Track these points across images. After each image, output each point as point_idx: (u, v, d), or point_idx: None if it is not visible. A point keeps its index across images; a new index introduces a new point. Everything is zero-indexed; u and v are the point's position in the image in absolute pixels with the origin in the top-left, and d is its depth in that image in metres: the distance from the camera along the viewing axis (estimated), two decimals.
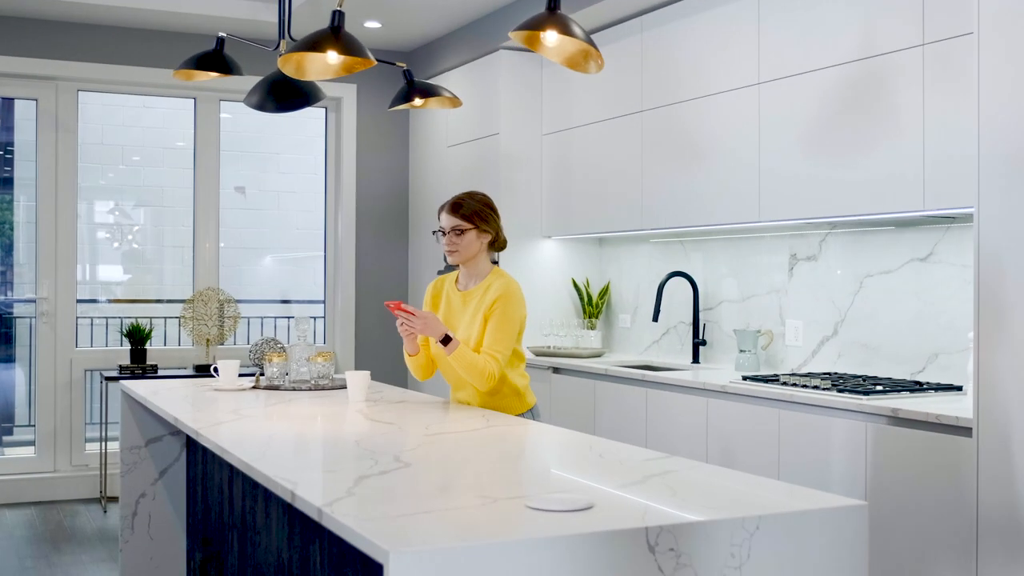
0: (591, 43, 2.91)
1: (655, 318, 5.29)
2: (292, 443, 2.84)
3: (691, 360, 5.34)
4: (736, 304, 5.15)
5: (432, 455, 2.59)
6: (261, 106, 3.54)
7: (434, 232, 3.71)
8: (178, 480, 4.37)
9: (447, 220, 3.58)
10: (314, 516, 1.95)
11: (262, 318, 8.45)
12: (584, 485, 2.23)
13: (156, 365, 6.32)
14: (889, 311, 4.32)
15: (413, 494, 2.14)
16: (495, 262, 3.73)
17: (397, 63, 3.93)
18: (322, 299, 7.51)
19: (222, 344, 6.63)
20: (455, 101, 4.00)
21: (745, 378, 4.33)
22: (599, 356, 5.78)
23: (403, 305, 3.44)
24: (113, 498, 6.34)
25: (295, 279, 8.67)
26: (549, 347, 5.87)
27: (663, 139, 5.12)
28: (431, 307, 3.74)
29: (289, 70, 2.95)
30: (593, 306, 6.03)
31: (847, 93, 4.12)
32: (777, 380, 4.18)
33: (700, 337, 5.31)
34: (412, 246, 7.16)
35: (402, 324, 3.47)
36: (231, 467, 3.66)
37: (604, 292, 6.07)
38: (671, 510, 1.97)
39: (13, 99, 6.87)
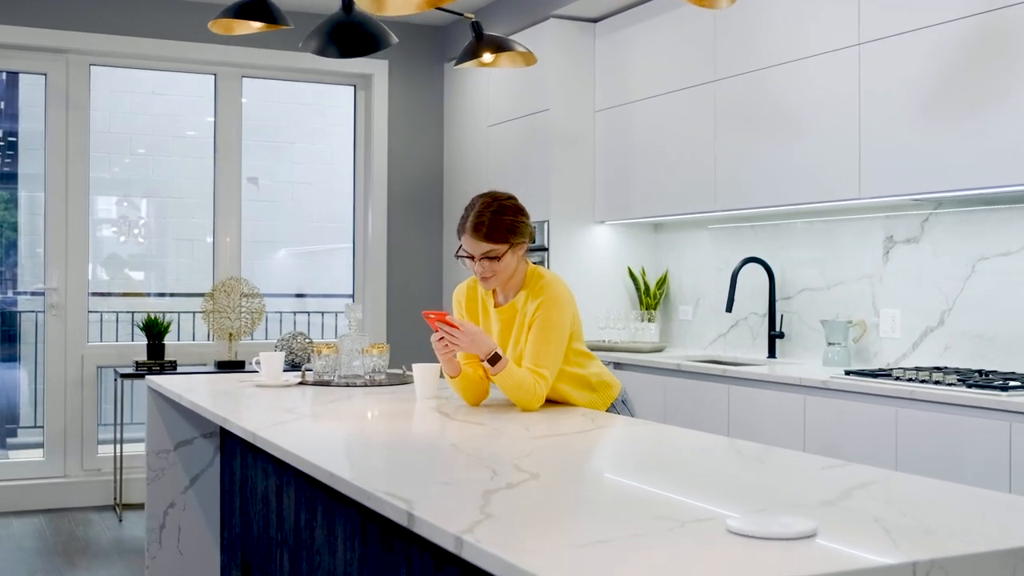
0: None
1: (729, 308, 4.81)
2: (375, 448, 2.36)
3: (766, 355, 4.86)
4: (819, 293, 4.67)
5: (557, 463, 2.11)
6: (322, 51, 3.06)
7: (457, 256, 3.02)
8: (211, 488, 3.89)
9: (474, 246, 2.92)
10: (449, 547, 1.47)
11: (280, 313, 8.01)
12: (772, 501, 1.76)
13: (175, 361, 5.83)
14: (1008, 297, 3.85)
15: (567, 515, 1.66)
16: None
17: (465, 14, 3.45)
18: (342, 293, 7.04)
19: (241, 339, 6.14)
20: (529, 57, 3.53)
21: (848, 372, 3.86)
22: (660, 351, 5.31)
23: (448, 317, 2.85)
24: (129, 505, 5.86)
25: (311, 274, 8.22)
26: (604, 341, 5.39)
27: (741, 111, 4.64)
28: (464, 317, 3.15)
29: (365, 2, 2.47)
30: (651, 297, 5.56)
31: (968, 52, 3.64)
32: (889, 375, 3.71)
33: (777, 329, 4.83)
34: (447, 236, 6.68)
35: (441, 340, 2.85)
36: (279, 474, 3.18)
37: (662, 282, 5.59)
38: (923, 537, 1.49)
39: (18, 75, 6.39)
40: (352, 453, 2.23)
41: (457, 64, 3.61)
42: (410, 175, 6.65)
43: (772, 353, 4.83)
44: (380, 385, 3.55)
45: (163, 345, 5.86)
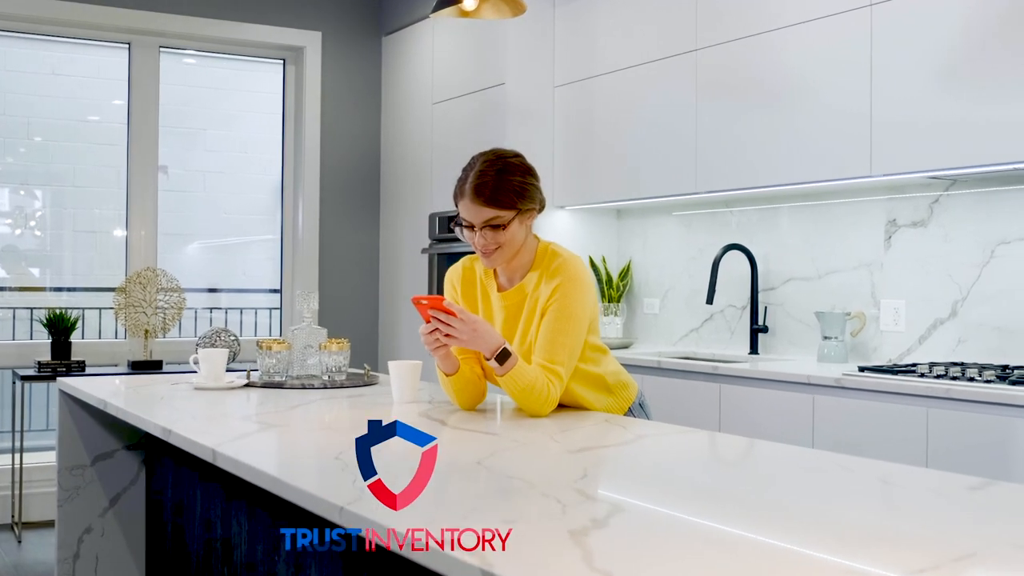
0: None
1: (709, 300, 4.39)
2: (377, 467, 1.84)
3: (748, 350, 4.45)
4: (809, 283, 4.28)
5: (630, 488, 1.63)
6: None
7: (453, 225, 2.53)
8: (135, 509, 3.32)
9: (474, 212, 2.43)
10: None
11: (195, 310, 7.37)
12: (974, 543, 1.30)
13: (83, 361, 5.20)
14: None
15: (702, 561, 1.18)
16: None
17: None
18: (260, 288, 6.45)
19: (157, 337, 5.51)
20: (517, 5, 3.05)
21: (863, 369, 3.46)
22: (626, 347, 4.87)
23: (445, 303, 2.33)
24: (31, 524, 5.20)
25: (224, 268, 7.59)
26: None
27: (728, 84, 4.21)
28: (460, 304, 2.60)
29: None
30: (613, 289, 5.12)
31: (996, 12, 3.27)
32: (913, 371, 3.32)
33: (760, 323, 4.42)
34: (385, 224, 6.15)
35: (434, 332, 2.35)
36: (227, 494, 2.64)
37: (625, 272, 5.15)
38: None
39: None
40: (356, 478, 1.71)
41: (433, 13, 3.12)
42: (345, 158, 6.10)
43: (754, 348, 4.42)
44: (341, 387, 3.03)
45: (69, 343, 5.23)
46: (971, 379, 3.13)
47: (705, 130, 4.29)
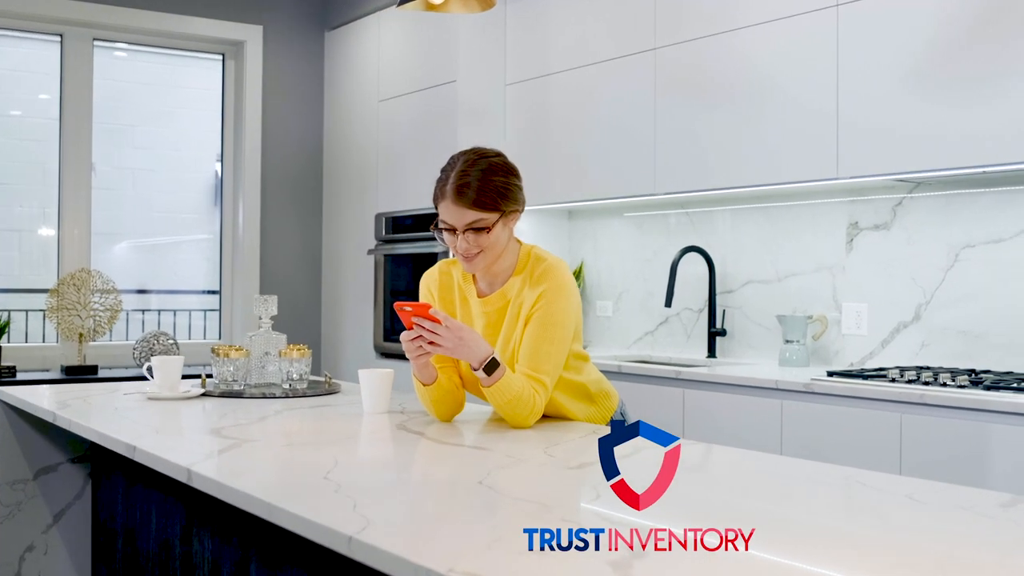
0: None
1: (668, 303, 4.32)
2: (378, 490, 1.71)
3: (705, 354, 4.40)
4: (769, 286, 4.24)
5: (659, 511, 1.52)
6: None
7: (433, 228, 2.39)
8: (81, 526, 3.14)
9: (456, 214, 2.30)
10: None
11: (127, 312, 7.13)
12: (1017, 567, 1.23)
13: (14, 367, 4.97)
14: (999, 289, 3.48)
15: None
16: None
17: None
18: (194, 290, 6.26)
19: (92, 341, 5.28)
20: (486, 0, 2.93)
21: (831, 374, 3.42)
22: None
23: (431, 311, 2.20)
24: None
25: (154, 269, 7.35)
26: None
27: (688, 84, 4.15)
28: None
29: None
30: None
31: (965, 13, 3.25)
32: (884, 376, 3.29)
33: (719, 326, 4.37)
34: (328, 224, 5.99)
35: (417, 339, 2.23)
36: (185, 510, 2.50)
37: (577, 274, 5.07)
38: None
39: None
40: (357, 499, 1.58)
41: (399, 6, 2.99)
42: (286, 157, 5.93)
43: (712, 352, 4.37)
44: (303, 396, 2.89)
45: (0, 348, 5.00)
46: (944, 384, 3.10)
47: (665, 130, 4.22)
